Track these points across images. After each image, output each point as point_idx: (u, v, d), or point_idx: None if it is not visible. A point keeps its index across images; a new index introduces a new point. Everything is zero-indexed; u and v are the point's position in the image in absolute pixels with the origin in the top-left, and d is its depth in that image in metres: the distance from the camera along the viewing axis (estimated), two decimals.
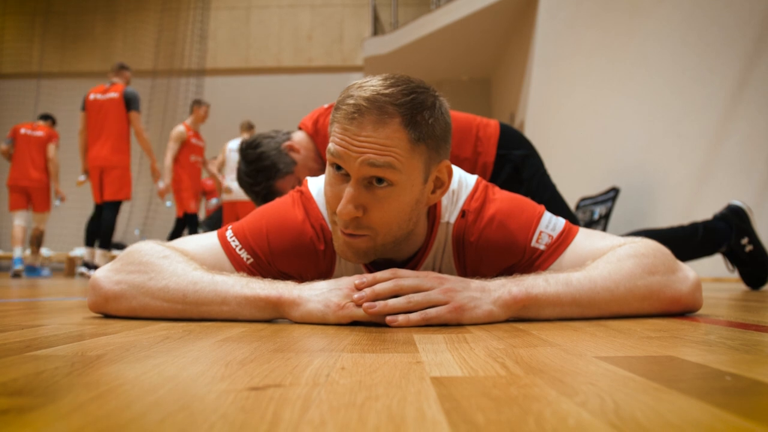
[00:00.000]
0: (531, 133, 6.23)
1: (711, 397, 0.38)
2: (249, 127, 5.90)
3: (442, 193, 0.96)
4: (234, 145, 5.68)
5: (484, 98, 9.32)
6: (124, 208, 9.34)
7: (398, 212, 0.90)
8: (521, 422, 0.32)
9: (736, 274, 2.21)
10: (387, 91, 0.85)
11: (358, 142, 0.85)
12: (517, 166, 1.87)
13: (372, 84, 0.87)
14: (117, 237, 9.15)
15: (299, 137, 1.87)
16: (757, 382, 0.43)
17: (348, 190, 0.87)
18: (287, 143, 1.83)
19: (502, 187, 1.14)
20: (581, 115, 5.19)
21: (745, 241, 2.10)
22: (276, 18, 10.02)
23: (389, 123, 0.85)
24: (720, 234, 2.12)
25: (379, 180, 0.87)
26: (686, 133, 3.43)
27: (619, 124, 4.38)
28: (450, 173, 0.95)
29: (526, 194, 1.15)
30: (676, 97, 3.56)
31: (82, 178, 5.03)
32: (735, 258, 2.14)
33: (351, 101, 0.86)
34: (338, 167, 0.89)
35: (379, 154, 0.84)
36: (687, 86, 3.43)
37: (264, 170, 1.81)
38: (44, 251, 6.87)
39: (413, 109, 0.86)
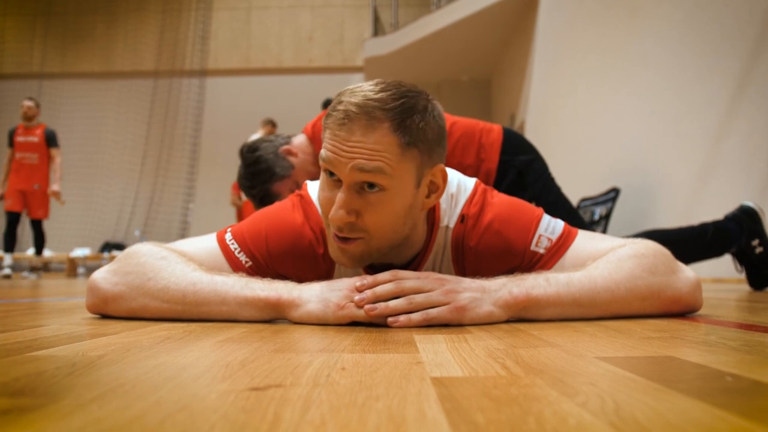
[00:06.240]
0: (531, 134, 6.23)
1: (711, 397, 0.38)
2: (268, 122, 5.74)
3: (438, 197, 0.96)
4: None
5: (484, 99, 9.32)
6: (125, 209, 9.35)
7: (391, 216, 0.89)
8: (521, 422, 0.32)
9: (738, 275, 2.20)
10: (377, 96, 0.85)
11: (348, 148, 0.85)
12: (520, 171, 1.86)
13: (362, 89, 0.87)
14: (118, 238, 9.15)
15: (299, 141, 1.89)
16: (758, 383, 0.43)
17: (340, 196, 0.87)
18: (285, 147, 1.84)
19: (505, 192, 1.13)
20: (581, 115, 5.19)
21: (755, 242, 2.09)
22: (276, 19, 10.02)
23: (378, 128, 0.85)
24: (730, 235, 2.10)
25: (371, 185, 0.87)
26: (686, 133, 3.43)
27: (620, 123, 4.38)
28: (445, 177, 0.95)
29: (530, 198, 1.14)
30: (677, 96, 3.55)
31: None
32: (744, 259, 2.13)
33: (341, 107, 0.86)
34: (331, 173, 0.89)
35: (368, 159, 0.84)
36: (687, 85, 3.43)
37: (260, 173, 1.83)
38: (47, 252, 6.94)
39: (402, 113, 0.85)
